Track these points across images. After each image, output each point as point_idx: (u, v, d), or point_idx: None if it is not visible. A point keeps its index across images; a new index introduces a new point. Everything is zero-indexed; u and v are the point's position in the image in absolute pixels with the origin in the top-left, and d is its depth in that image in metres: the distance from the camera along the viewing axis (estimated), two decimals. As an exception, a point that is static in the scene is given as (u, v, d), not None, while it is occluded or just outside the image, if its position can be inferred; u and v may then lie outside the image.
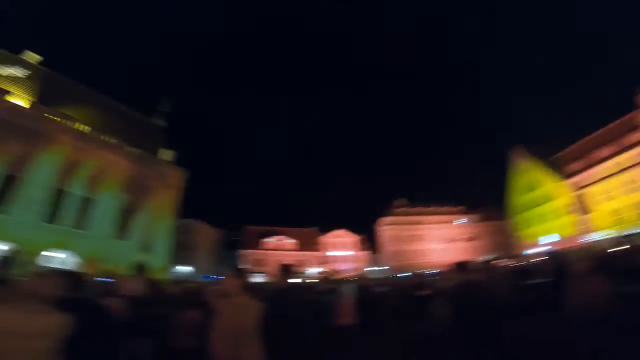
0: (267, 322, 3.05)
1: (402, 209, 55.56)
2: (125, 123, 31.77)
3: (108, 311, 3.10)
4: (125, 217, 26.77)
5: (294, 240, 49.56)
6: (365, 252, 52.82)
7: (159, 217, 29.31)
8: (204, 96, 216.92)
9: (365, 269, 46.93)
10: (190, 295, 4.92)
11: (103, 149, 26.29)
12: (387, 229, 53.54)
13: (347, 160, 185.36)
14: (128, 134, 30.19)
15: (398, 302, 8.26)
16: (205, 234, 49.85)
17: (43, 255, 21.45)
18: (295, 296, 5.94)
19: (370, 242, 55.34)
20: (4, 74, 23.02)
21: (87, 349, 2.57)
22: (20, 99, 23.08)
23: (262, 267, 44.72)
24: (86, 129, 25.78)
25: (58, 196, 23.06)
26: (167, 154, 33.43)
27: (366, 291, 8.04)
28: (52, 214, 22.66)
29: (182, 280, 25.51)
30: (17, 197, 21.16)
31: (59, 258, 23.11)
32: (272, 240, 48.74)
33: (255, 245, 48.32)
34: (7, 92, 22.42)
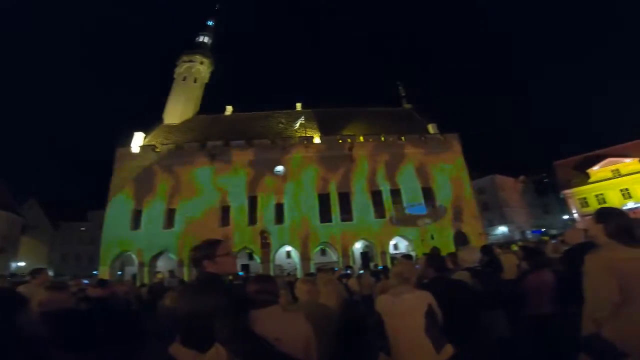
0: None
1: None
2: (388, 118, 35.86)
3: (462, 284, 3.14)
4: (427, 196, 29.38)
5: (632, 159, 35.60)
6: None
7: (455, 185, 30.00)
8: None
9: None
10: (531, 257, 4.30)
11: (389, 147, 30.63)
12: None
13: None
14: (397, 127, 33.78)
15: None
16: (509, 186, 45.72)
17: (386, 244, 27.36)
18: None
19: None
20: (296, 126, 32.19)
21: (450, 322, 2.66)
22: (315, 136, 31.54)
23: (597, 205, 35.11)
24: (368, 139, 31.17)
25: (374, 196, 28.80)
26: (432, 127, 34.60)
27: None
28: (377, 210, 28.47)
29: (507, 241, 24.46)
30: (353, 206, 28.34)
31: (392, 244, 28.69)
32: (600, 168, 37.40)
33: (577, 181, 38.95)
34: (312, 137, 31.22)
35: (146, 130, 33.35)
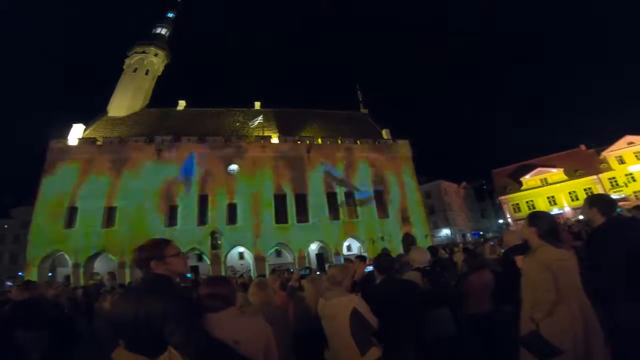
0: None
1: None
2: (345, 122, 36.59)
3: (412, 284, 3.26)
4: (381, 199, 30.39)
5: (557, 170, 40.09)
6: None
7: (405, 189, 31.37)
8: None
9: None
10: (471, 258, 4.61)
11: (345, 151, 31.20)
12: None
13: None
14: (353, 130, 34.57)
15: None
16: (452, 192, 48.90)
17: (340, 245, 27.85)
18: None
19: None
20: (253, 126, 31.72)
21: (394, 321, 2.75)
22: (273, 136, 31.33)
23: (528, 211, 38.84)
24: (325, 141, 31.54)
25: (329, 198, 29.20)
26: (386, 133, 35.87)
27: None
28: (331, 212, 28.88)
29: (449, 243, 26.01)
30: (310, 207, 28.43)
31: (346, 246, 29.30)
32: (530, 177, 41.50)
33: (511, 188, 42.82)
34: (269, 137, 30.91)
35: (87, 122, 30.66)
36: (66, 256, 24.59)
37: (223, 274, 23.26)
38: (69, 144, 27.36)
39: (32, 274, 22.38)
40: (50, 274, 24.67)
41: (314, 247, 28.51)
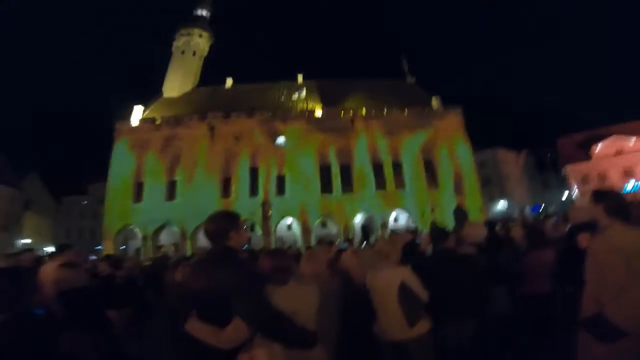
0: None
1: None
2: (390, 91, 35.10)
3: (467, 258, 3.16)
4: (429, 169, 29.36)
5: (638, 138, 35.02)
6: None
7: (457, 159, 29.94)
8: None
9: None
10: (532, 235, 4.32)
11: (391, 120, 30.26)
12: None
13: None
14: (399, 99, 33.15)
15: None
16: (510, 161, 45.18)
17: (383, 217, 27.67)
18: None
19: None
20: (297, 98, 31.68)
21: (445, 296, 2.71)
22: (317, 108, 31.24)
23: (598, 183, 34.91)
24: (370, 111, 30.74)
25: (375, 168, 28.81)
26: (435, 100, 33.63)
27: None
28: (377, 183, 28.57)
29: (505, 217, 24.66)
30: (354, 178, 28.41)
31: (392, 218, 28.95)
32: (603, 146, 36.92)
33: (579, 158, 38.54)
34: (313, 109, 30.83)
35: (145, 103, 32.91)
36: (136, 229, 27.34)
37: (273, 245, 24.43)
38: (131, 125, 29.74)
39: (109, 248, 25.14)
40: (122, 246, 27.56)
41: (359, 219, 28.66)
